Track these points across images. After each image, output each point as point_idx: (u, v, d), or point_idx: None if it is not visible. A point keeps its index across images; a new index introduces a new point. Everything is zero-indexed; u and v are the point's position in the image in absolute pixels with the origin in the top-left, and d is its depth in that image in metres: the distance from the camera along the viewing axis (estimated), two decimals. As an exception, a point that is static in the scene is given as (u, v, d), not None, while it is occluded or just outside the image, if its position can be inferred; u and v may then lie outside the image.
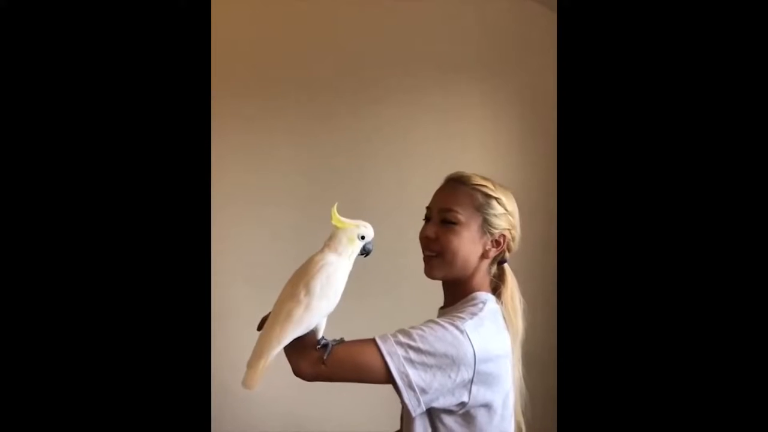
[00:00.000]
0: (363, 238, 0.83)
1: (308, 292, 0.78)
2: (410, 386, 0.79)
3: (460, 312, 0.88)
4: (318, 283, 0.78)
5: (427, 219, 0.96)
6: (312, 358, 0.80)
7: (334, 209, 0.83)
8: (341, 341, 0.82)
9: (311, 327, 0.79)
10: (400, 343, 0.80)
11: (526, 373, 0.94)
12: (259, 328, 0.84)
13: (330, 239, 0.83)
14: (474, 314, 0.87)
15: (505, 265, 0.97)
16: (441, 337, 0.81)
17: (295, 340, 0.79)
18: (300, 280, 0.80)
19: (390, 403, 0.98)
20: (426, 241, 0.94)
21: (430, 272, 0.94)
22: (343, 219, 0.84)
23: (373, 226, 0.86)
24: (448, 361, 0.80)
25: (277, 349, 0.77)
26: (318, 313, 0.78)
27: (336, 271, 0.80)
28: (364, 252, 0.85)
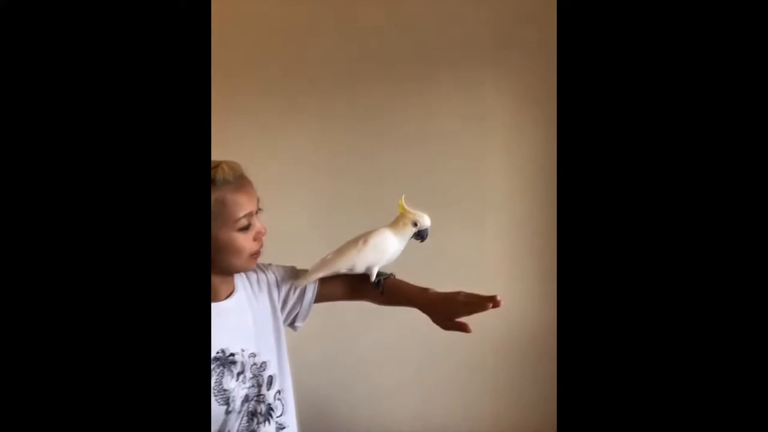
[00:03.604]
0: (416, 224, 1.04)
1: (365, 242, 1.05)
2: None
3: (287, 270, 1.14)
4: (373, 240, 1.05)
5: (248, 221, 0.97)
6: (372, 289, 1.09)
7: (402, 199, 1.05)
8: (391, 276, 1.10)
9: (354, 268, 1.07)
10: None
11: (524, 372, 0.96)
12: None
13: (394, 220, 1.07)
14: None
15: None
16: None
17: (360, 281, 1.10)
18: (363, 235, 1.07)
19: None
20: (262, 237, 0.99)
21: (254, 264, 1.03)
22: (406, 206, 1.05)
23: (389, 213, 1.07)
24: None
25: (324, 273, 1.08)
26: (363, 260, 1.06)
27: (386, 239, 1.05)
28: (418, 237, 1.06)
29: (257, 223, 0.98)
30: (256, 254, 1.00)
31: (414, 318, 1.07)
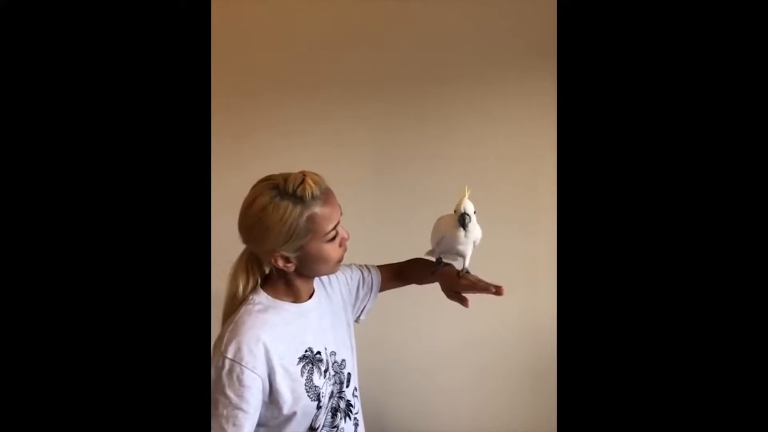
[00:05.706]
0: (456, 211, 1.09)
1: (435, 222, 1.14)
2: None
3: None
4: (436, 222, 1.13)
5: (335, 231, 0.99)
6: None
7: (466, 187, 1.07)
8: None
9: (431, 244, 1.17)
10: None
11: (527, 376, 0.96)
12: None
13: None
14: None
15: None
16: None
17: (403, 267, 1.25)
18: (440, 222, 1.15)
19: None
20: (346, 243, 1.03)
21: (339, 268, 1.07)
22: (466, 193, 1.08)
23: (439, 212, 1.12)
24: None
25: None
26: (431, 237, 1.15)
27: (440, 223, 1.12)
28: (460, 224, 1.08)
29: (341, 230, 1.01)
30: (341, 260, 1.03)
31: (468, 324, 1.07)
